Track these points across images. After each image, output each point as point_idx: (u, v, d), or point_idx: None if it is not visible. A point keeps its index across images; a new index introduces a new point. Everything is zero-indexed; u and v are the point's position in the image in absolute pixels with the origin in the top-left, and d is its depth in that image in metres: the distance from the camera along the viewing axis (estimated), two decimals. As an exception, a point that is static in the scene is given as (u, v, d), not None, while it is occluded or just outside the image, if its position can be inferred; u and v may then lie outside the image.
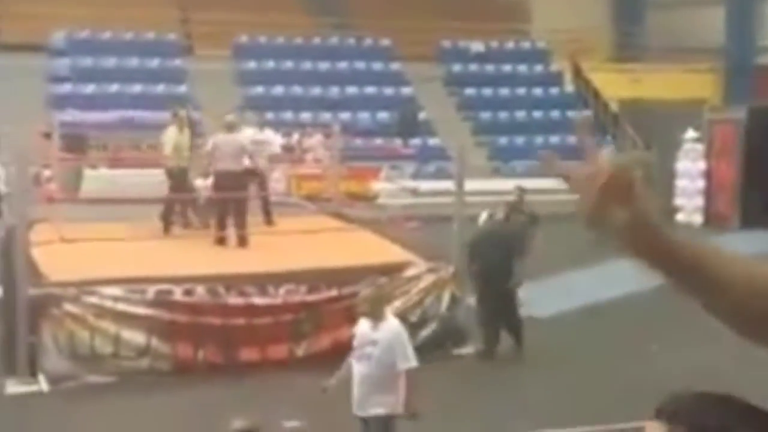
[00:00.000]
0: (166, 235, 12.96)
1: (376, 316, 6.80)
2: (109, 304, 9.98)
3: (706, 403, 1.61)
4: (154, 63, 25.41)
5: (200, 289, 10.34)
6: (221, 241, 12.47)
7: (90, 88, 24.04)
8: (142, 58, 25.39)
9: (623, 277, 15.31)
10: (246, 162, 13.22)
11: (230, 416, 8.93)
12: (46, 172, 16.72)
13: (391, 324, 6.86)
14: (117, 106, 23.48)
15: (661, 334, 12.43)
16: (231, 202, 12.63)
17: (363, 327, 6.93)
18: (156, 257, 11.24)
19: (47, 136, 18.11)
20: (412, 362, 6.70)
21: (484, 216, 12.32)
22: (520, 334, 11.23)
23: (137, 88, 24.49)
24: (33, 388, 9.66)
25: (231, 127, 13.27)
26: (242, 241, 12.37)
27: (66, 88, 24.05)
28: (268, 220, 13.88)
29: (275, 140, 15.23)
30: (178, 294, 10.27)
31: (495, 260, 11.07)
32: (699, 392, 1.67)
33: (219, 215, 12.75)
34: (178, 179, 13.59)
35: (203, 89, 24.06)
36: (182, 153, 13.67)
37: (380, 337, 6.72)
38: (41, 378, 9.72)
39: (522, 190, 13.93)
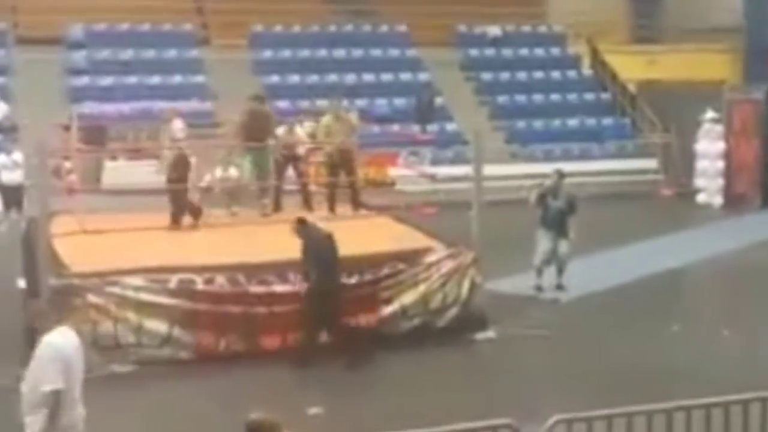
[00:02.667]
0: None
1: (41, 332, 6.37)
2: (131, 293, 10.04)
3: None
4: (171, 54, 25.47)
5: (221, 278, 10.39)
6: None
7: (108, 80, 24.14)
8: (159, 49, 25.46)
9: (643, 260, 15.31)
10: None
11: (252, 404, 9.00)
12: (67, 164, 16.81)
13: (42, 343, 6.22)
14: (135, 97, 23.57)
15: (681, 315, 12.41)
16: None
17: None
18: (177, 246, 11.29)
19: (66, 128, 18.20)
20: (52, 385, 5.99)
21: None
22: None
23: (155, 79, 24.58)
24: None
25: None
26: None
27: (84, 80, 24.15)
28: (308, 205, 13.95)
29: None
30: (199, 283, 10.32)
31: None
32: None
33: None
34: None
35: (220, 79, 24.11)
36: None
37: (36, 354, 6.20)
38: (65, 368, 9.78)
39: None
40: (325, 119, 14.01)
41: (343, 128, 13.73)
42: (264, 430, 5.26)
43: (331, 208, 13.54)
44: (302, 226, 10.51)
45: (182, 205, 12.79)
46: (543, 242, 13.27)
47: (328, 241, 10.37)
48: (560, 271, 13.45)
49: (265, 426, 5.25)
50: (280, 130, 14.42)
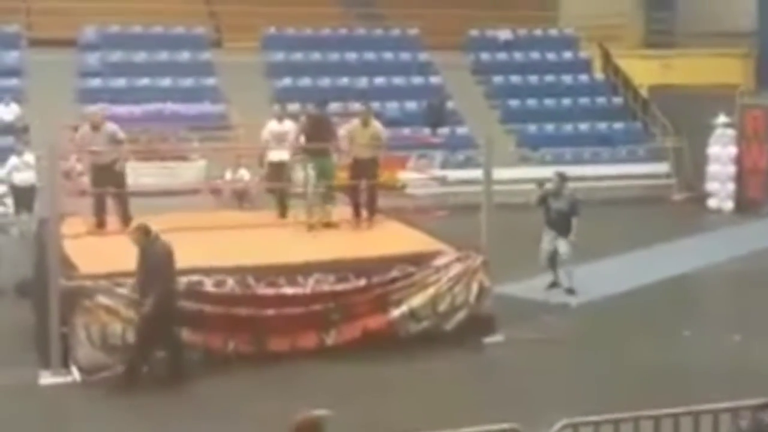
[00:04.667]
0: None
1: None
2: (140, 295, 10.05)
3: None
4: (184, 56, 25.53)
5: (230, 280, 10.41)
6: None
7: (120, 82, 24.20)
8: (172, 51, 25.52)
9: (654, 265, 15.27)
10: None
11: (259, 405, 9.03)
12: (78, 166, 16.86)
13: None
14: (147, 99, 23.62)
15: (692, 320, 12.37)
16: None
17: None
18: (186, 248, 11.30)
19: (78, 130, 18.23)
20: None
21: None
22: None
23: (167, 81, 24.64)
24: (66, 379, 9.78)
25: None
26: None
27: (96, 82, 24.22)
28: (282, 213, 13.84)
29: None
30: (208, 285, 10.34)
31: None
32: None
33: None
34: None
35: (232, 82, 24.16)
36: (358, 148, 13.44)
37: None
38: (74, 369, 9.83)
39: (562, 177, 13.88)
40: (352, 125, 13.42)
41: (366, 136, 13.11)
42: (310, 428, 5.20)
43: (356, 213, 13.20)
44: (144, 236, 9.83)
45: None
46: (545, 241, 13.56)
47: (168, 257, 9.73)
48: (567, 273, 13.51)
49: (310, 424, 5.20)
50: (273, 124, 14.42)
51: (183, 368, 9.82)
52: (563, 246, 13.45)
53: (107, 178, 12.69)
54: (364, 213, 13.22)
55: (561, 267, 13.55)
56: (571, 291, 13.42)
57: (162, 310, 9.59)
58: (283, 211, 13.76)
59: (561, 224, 13.46)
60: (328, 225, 12.94)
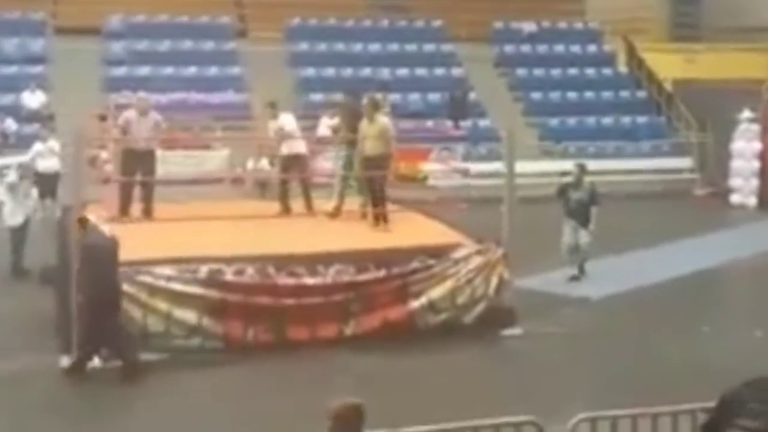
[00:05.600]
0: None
1: None
2: (161, 283, 10.13)
3: None
4: (208, 46, 25.64)
5: (251, 269, 10.46)
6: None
7: (145, 71, 24.34)
8: (197, 40, 25.64)
9: (676, 260, 15.20)
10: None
11: (279, 394, 9.08)
12: (103, 154, 16.98)
13: None
14: (171, 88, 23.73)
15: (713, 316, 12.32)
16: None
17: None
18: (207, 237, 11.38)
19: (103, 118, 18.37)
20: None
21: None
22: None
23: (191, 70, 24.75)
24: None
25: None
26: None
27: (121, 70, 24.37)
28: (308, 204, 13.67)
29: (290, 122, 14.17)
30: (229, 274, 10.39)
31: None
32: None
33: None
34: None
35: (256, 71, 24.24)
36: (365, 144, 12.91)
37: None
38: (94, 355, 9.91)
39: (582, 168, 14.20)
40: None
41: (372, 132, 12.50)
42: (351, 415, 5.21)
43: (375, 204, 12.79)
44: (81, 227, 9.68)
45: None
46: (565, 232, 13.77)
47: (106, 249, 9.55)
48: (583, 260, 13.81)
49: (350, 412, 5.20)
50: (270, 122, 13.79)
51: (131, 364, 9.56)
52: (584, 236, 13.68)
53: (142, 165, 12.82)
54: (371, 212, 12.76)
55: (582, 257, 13.75)
56: (582, 272, 13.76)
57: (98, 302, 9.38)
58: (308, 203, 13.42)
59: (581, 214, 13.70)
60: (334, 214, 12.87)
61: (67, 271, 10.28)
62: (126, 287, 9.98)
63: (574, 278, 13.71)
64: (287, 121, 13.82)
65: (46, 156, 17.16)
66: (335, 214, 12.98)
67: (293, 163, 13.49)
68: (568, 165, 17.82)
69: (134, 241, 10.91)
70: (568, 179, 14.10)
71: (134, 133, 12.95)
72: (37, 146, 17.42)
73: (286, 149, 13.53)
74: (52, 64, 23.92)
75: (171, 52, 25.20)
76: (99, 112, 19.04)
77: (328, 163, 14.81)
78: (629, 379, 9.69)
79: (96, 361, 9.81)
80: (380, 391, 9.31)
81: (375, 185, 12.62)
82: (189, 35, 25.72)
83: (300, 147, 13.64)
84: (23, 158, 17.16)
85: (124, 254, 10.42)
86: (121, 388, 9.44)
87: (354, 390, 9.20)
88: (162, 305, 10.09)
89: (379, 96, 13.98)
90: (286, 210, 13.35)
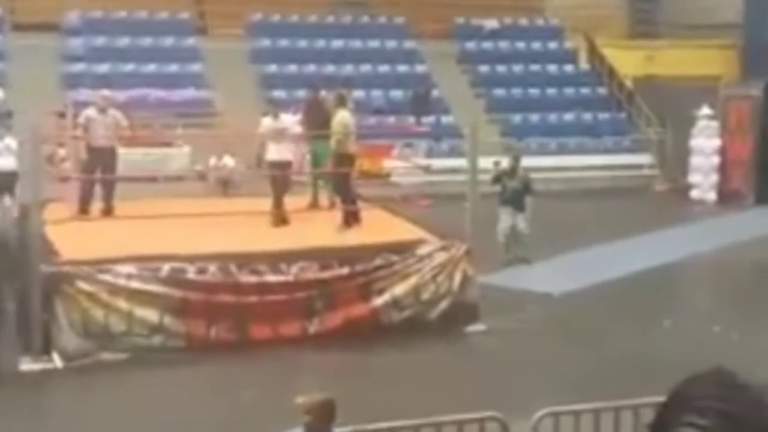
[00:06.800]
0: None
1: None
2: (122, 282, 10.03)
3: (731, 391, 1.59)
4: (168, 42, 25.43)
5: (213, 267, 10.38)
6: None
7: (104, 68, 24.09)
8: (156, 37, 25.41)
9: (636, 255, 15.33)
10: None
11: (242, 393, 9.02)
12: (61, 152, 16.78)
13: None
14: (131, 85, 23.50)
15: (673, 311, 12.43)
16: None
17: None
18: (169, 235, 11.28)
19: (61, 115, 18.14)
20: None
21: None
22: None
23: (151, 67, 24.53)
24: (47, 365, 9.74)
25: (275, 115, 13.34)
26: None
27: (80, 67, 24.10)
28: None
29: (292, 122, 14.01)
30: (191, 272, 10.31)
31: None
32: (720, 378, 1.65)
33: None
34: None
35: (217, 68, 24.08)
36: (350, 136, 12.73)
37: None
38: (55, 355, 9.80)
39: (516, 158, 15.01)
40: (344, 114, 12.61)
41: (334, 127, 12.36)
42: (324, 409, 5.22)
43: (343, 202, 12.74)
44: None
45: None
46: (502, 218, 14.39)
47: None
48: (521, 244, 14.41)
49: (324, 405, 5.22)
50: (267, 120, 13.29)
51: None
52: (521, 222, 14.37)
53: (102, 162, 12.72)
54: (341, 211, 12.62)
55: (519, 241, 14.36)
56: (525, 260, 14.24)
57: None
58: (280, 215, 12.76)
59: (516, 201, 14.38)
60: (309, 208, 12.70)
61: (27, 269, 10.14)
62: (86, 286, 9.88)
63: (511, 261, 14.11)
64: (290, 122, 13.32)
65: (4, 154, 16.93)
66: (310, 208, 12.89)
67: (278, 170, 12.78)
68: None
69: (94, 240, 10.81)
70: (503, 167, 14.80)
71: (94, 131, 12.82)
72: (-5, 144, 17.18)
73: (276, 154, 12.71)
74: (9, 60, 23.61)
75: (130, 48, 24.97)
76: (57, 109, 18.81)
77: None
78: (591, 374, 9.74)
79: (57, 361, 9.70)
80: (344, 389, 9.28)
81: (339, 184, 12.59)
82: (148, 32, 25.49)
83: (289, 153, 13.01)
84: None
85: (84, 253, 10.32)
86: (84, 389, 9.34)
87: (318, 388, 9.18)
88: (123, 304, 9.99)
89: (343, 92, 13.77)
90: (284, 220, 12.62)
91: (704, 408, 1.57)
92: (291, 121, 13.73)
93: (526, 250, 14.38)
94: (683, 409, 1.60)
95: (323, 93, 14.04)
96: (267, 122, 13.33)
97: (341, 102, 12.79)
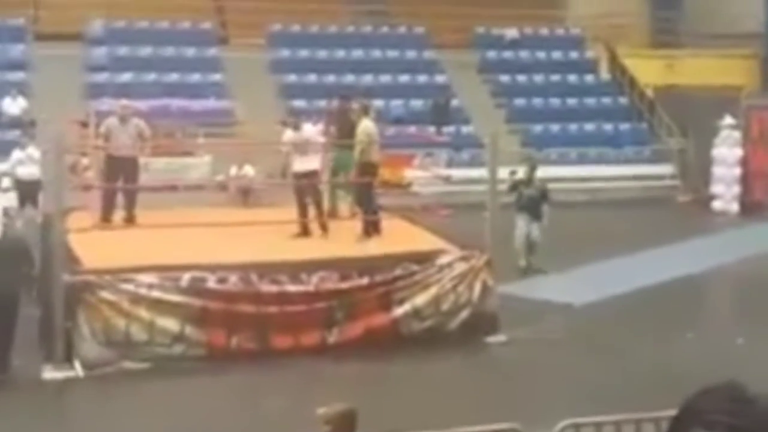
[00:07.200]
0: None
1: None
2: (144, 291, 10.08)
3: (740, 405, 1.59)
4: (190, 52, 25.56)
5: (234, 277, 10.42)
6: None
7: (126, 77, 24.23)
8: (178, 47, 25.55)
9: (658, 266, 15.24)
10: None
11: (263, 402, 9.04)
12: (84, 161, 16.88)
13: None
14: (153, 95, 23.62)
15: (695, 322, 12.36)
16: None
17: None
18: (190, 245, 11.33)
19: (84, 124, 18.26)
20: None
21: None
22: None
23: (173, 76, 24.66)
24: (69, 373, 9.80)
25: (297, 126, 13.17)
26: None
27: (103, 76, 24.24)
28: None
29: (314, 132, 13.94)
30: (211, 282, 10.35)
31: None
32: (732, 393, 1.65)
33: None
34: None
35: (238, 78, 24.17)
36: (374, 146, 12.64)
37: None
38: (77, 364, 9.85)
39: (532, 166, 15.01)
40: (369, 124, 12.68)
41: (358, 137, 12.39)
42: (345, 420, 5.23)
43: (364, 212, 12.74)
44: None
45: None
46: (519, 225, 14.42)
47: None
48: (532, 252, 14.47)
49: (345, 415, 5.23)
50: (289, 132, 13.22)
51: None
52: (536, 230, 14.41)
53: (124, 171, 12.78)
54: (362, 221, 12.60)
55: (533, 250, 14.39)
56: (539, 270, 14.25)
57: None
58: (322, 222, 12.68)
59: (532, 209, 14.42)
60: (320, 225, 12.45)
61: (50, 279, 10.21)
62: (108, 295, 9.94)
63: (527, 270, 14.12)
64: (312, 132, 13.16)
65: (26, 163, 17.04)
66: (328, 216, 12.88)
67: (306, 180, 12.62)
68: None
69: (116, 249, 10.86)
70: (520, 176, 14.79)
71: (115, 140, 12.89)
72: (17, 153, 17.30)
73: (300, 165, 12.59)
74: (33, 70, 23.78)
75: (152, 58, 25.11)
76: (80, 118, 18.93)
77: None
78: (613, 386, 9.70)
79: (79, 370, 9.75)
80: (364, 399, 9.27)
81: (361, 193, 12.61)
82: (170, 41, 25.63)
83: (315, 162, 12.87)
84: (2, 166, 17.07)
85: (106, 262, 10.38)
86: (105, 397, 9.38)
87: (338, 398, 9.19)
88: (144, 314, 10.04)
89: (366, 102, 13.71)
90: (305, 231, 12.50)
91: (713, 422, 1.57)
92: (313, 131, 13.73)
93: (539, 259, 14.41)
94: (693, 422, 1.60)
95: (353, 103, 13.85)
96: (289, 134, 13.28)
97: (365, 111, 12.87)
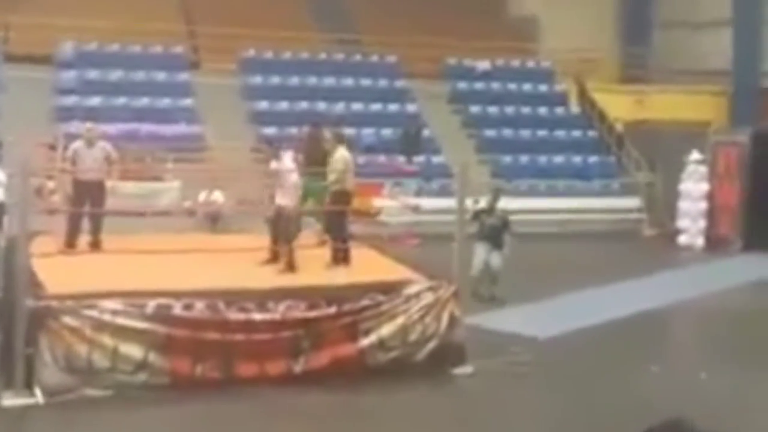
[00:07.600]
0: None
1: None
2: (107, 317, 9.95)
3: None
4: (161, 76, 25.49)
5: (200, 304, 10.32)
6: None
7: (96, 101, 24.11)
8: (149, 71, 25.49)
9: (624, 300, 15.33)
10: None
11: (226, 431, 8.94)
12: (50, 184, 16.75)
13: None
14: (123, 119, 23.53)
15: (660, 357, 12.41)
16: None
17: None
18: (156, 271, 11.23)
19: (52, 147, 18.14)
20: None
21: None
22: None
23: (143, 101, 24.58)
24: (29, 400, 9.63)
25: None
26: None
27: (72, 99, 24.11)
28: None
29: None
30: (177, 308, 10.24)
31: None
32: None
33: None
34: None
35: (209, 103, 24.14)
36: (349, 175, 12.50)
37: None
38: (37, 390, 9.69)
39: (495, 195, 15.27)
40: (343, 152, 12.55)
41: (337, 165, 12.36)
42: None
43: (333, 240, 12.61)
44: None
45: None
46: (478, 253, 14.61)
47: None
48: (494, 282, 14.64)
49: None
50: (274, 163, 12.69)
51: None
52: (496, 258, 14.64)
53: (91, 195, 12.67)
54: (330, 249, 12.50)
55: (492, 278, 14.61)
56: (494, 298, 14.44)
57: None
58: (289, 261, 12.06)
59: (494, 238, 14.65)
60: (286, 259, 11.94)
61: (12, 304, 10.07)
62: (71, 321, 9.80)
63: (475, 296, 14.01)
64: (290, 164, 12.48)
65: (-7, 185, 16.84)
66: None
67: (284, 216, 12.11)
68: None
69: (80, 274, 10.75)
70: (482, 205, 15.03)
71: (82, 164, 12.80)
72: (-17, 175, 17.10)
73: (280, 198, 12.14)
74: (2, 91, 23.60)
75: (123, 82, 25.02)
76: (48, 141, 18.81)
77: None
78: (577, 419, 9.71)
79: (40, 397, 9.60)
80: (328, 429, 9.22)
81: (332, 221, 12.57)
82: (141, 65, 25.57)
83: (292, 197, 12.23)
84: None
85: (70, 287, 10.25)
86: (66, 425, 9.24)
87: (303, 429, 9.11)
88: (108, 340, 9.90)
89: (340, 131, 13.59)
90: (275, 258, 12.19)
91: None
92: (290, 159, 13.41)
93: (498, 288, 14.58)
94: None
95: (325, 131, 13.74)
96: (274, 165, 12.78)
97: (340, 140, 12.81)
